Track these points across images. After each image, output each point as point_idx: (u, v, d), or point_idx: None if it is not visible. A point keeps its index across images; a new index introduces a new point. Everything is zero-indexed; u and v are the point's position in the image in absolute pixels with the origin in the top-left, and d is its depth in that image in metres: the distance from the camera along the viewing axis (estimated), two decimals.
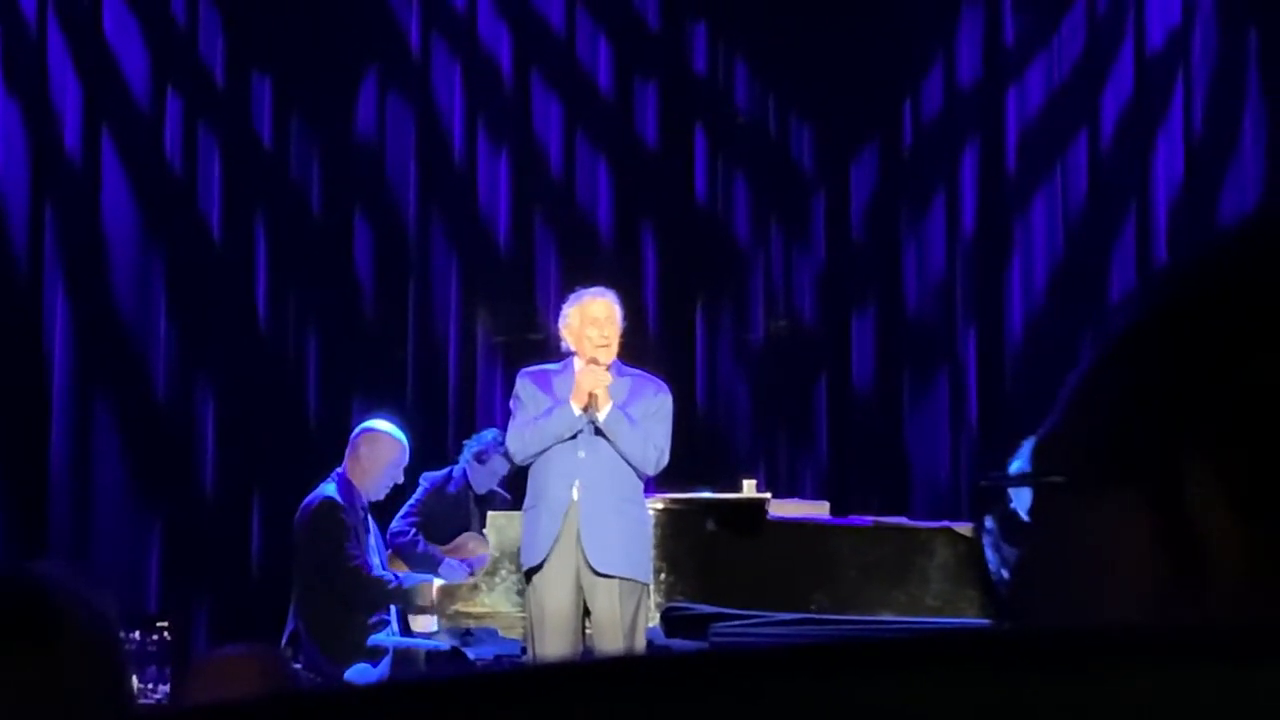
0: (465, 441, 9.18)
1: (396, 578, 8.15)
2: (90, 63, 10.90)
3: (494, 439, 9.15)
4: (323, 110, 11.35)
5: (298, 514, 8.14)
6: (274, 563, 10.09)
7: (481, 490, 9.02)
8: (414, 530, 8.70)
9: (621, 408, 7.19)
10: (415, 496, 8.73)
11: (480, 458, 9.03)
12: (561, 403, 7.18)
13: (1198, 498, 0.69)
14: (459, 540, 8.86)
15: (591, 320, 7.27)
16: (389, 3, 11.47)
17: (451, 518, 8.94)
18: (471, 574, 8.42)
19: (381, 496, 8.56)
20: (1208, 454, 0.69)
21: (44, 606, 1.85)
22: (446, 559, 8.64)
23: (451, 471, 9.03)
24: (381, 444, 8.33)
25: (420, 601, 8.02)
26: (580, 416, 7.16)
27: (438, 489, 8.89)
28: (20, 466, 10.51)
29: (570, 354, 7.36)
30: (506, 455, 9.15)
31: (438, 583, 8.07)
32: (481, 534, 8.81)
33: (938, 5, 11.77)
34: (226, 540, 10.72)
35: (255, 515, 10.87)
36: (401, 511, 8.66)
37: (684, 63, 11.78)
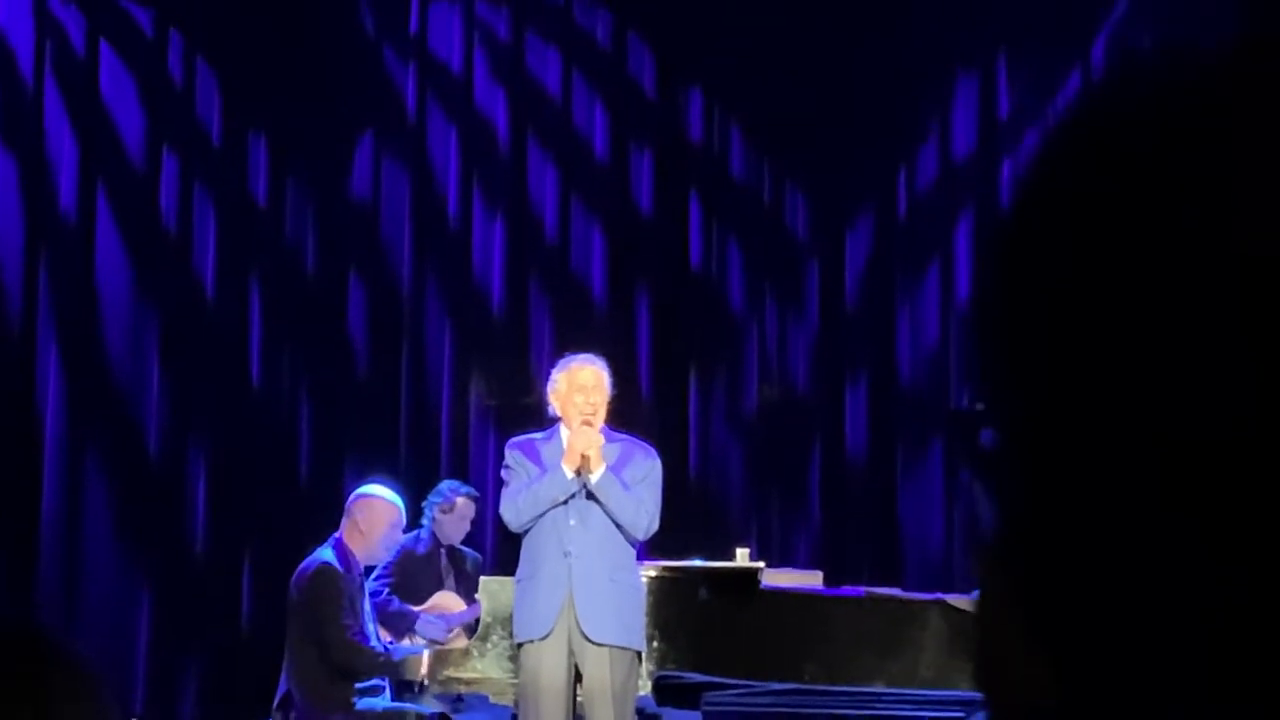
0: (424, 504, 9.24)
1: (387, 649, 8.15)
2: (86, 120, 10.92)
3: (449, 487, 9.20)
4: (318, 171, 11.37)
5: (294, 578, 8.11)
6: (264, 623, 10.05)
7: (451, 541, 9.09)
8: (386, 590, 8.75)
9: (613, 472, 7.19)
10: (386, 560, 8.77)
11: (445, 508, 9.08)
12: (552, 468, 7.17)
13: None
14: (433, 599, 8.89)
15: (579, 387, 7.27)
16: (386, 65, 11.50)
17: (424, 578, 9.00)
18: (449, 629, 8.41)
19: (379, 562, 8.57)
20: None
21: (37, 646, 1.89)
22: (423, 615, 8.67)
23: (419, 534, 9.11)
24: (378, 509, 8.32)
25: (408, 675, 8.01)
26: (573, 479, 7.15)
27: (407, 551, 8.99)
28: (11, 524, 10.47)
29: (556, 420, 7.36)
30: (471, 497, 9.24)
31: (426, 655, 8.06)
32: (456, 591, 8.83)
33: (934, 75, 11.79)
34: (217, 600, 10.68)
35: (246, 575, 10.83)
36: (375, 574, 8.70)
37: (679, 129, 11.80)
